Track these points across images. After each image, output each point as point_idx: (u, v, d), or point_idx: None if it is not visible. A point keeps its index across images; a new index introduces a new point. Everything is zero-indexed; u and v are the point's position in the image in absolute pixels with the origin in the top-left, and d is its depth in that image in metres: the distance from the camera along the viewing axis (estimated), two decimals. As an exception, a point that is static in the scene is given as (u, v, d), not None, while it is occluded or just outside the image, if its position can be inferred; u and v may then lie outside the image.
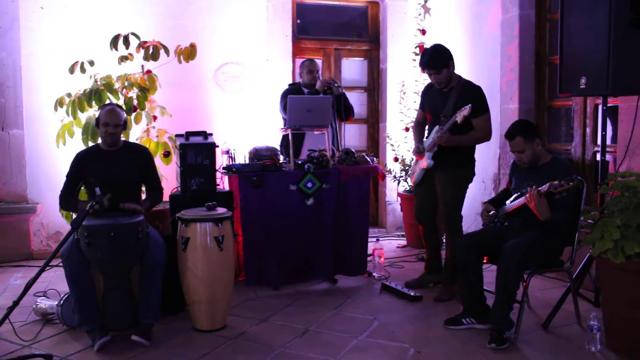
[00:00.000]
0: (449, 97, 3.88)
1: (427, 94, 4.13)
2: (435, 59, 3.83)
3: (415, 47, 5.75)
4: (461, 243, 3.38)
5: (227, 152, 4.32)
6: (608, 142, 4.30)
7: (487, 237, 3.41)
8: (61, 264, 3.26)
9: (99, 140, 3.68)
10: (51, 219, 5.16)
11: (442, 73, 3.84)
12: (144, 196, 3.77)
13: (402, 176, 5.65)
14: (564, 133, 4.91)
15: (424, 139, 4.13)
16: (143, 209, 3.51)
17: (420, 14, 5.84)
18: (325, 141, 4.42)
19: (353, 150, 4.50)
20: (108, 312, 3.26)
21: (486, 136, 3.90)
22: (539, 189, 3.11)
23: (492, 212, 3.53)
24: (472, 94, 3.83)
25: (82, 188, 3.51)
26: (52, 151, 4.75)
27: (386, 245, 5.26)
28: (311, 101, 4.34)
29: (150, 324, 3.28)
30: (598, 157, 4.32)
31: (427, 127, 4.17)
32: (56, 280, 4.27)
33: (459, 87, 3.88)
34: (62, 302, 3.44)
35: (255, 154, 4.31)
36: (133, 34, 4.51)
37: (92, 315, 3.20)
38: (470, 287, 3.36)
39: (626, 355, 2.97)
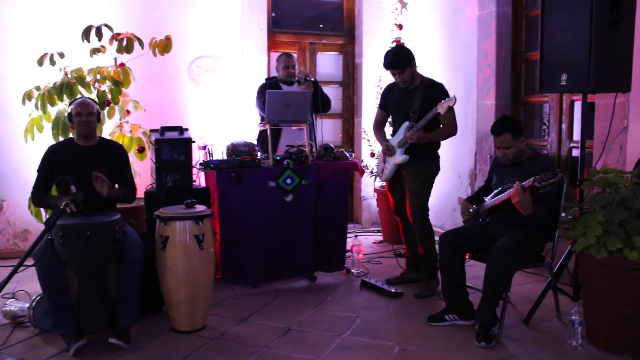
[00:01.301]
0: (415, 95, 3.96)
1: (389, 94, 4.20)
2: (399, 59, 3.94)
3: (392, 42, 5.72)
4: (444, 240, 3.37)
5: (204, 147, 4.23)
6: (576, 138, 4.39)
7: (469, 234, 3.42)
8: (32, 264, 3.13)
9: (71, 135, 3.55)
10: (18, 216, 4.96)
11: (405, 72, 3.94)
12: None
13: (378, 172, 5.62)
14: (539, 129, 4.97)
15: (389, 137, 4.20)
16: (113, 193, 3.38)
17: (397, 9, 5.82)
18: (304, 136, 4.36)
19: (332, 145, 4.45)
20: (83, 314, 3.15)
21: (453, 131, 4.01)
22: (523, 183, 3.13)
23: (472, 209, 3.54)
24: (438, 90, 3.95)
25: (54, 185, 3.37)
26: (20, 146, 4.57)
27: (362, 241, 5.23)
28: (290, 96, 4.27)
29: (128, 326, 3.18)
30: (574, 152, 4.41)
31: (389, 125, 4.28)
32: (25, 281, 4.09)
33: (423, 85, 3.98)
34: (34, 304, 3.31)
35: (233, 150, 4.21)
36: (106, 25, 4.35)
37: (67, 318, 3.08)
38: (453, 284, 3.35)
39: (607, 349, 3.01)
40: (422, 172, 3.99)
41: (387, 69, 4.01)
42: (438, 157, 4.08)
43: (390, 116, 4.25)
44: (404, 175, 4.05)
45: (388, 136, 4.28)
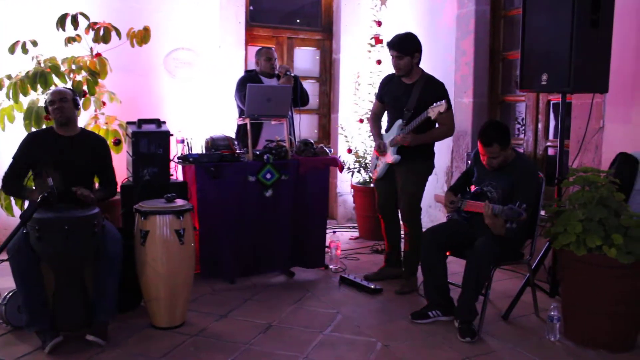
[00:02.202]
0: (412, 91, 3.88)
1: (387, 85, 4.10)
2: (403, 42, 3.84)
3: (371, 39, 5.73)
4: (427, 238, 3.39)
5: (182, 141, 4.15)
6: (552, 137, 4.47)
7: (451, 231, 3.43)
8: (5, 260, 3.02)
9: (44, 126, 3.44)
10: (-15, 209, 4.79)
11: (403, 60, 3.84)
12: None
13: (355, 168, 5.64)
14: (515, 128, 5.04)
15: (383, 133, 4.12)
16: (95, 198, 3.30)
17: (376, 5, 5.83)
18: (284, 131, 4.33)
19: (312, 141, 4.43)
20: (60, 310, 3.05)
21: (450, 132, 3.96)
22: (493, 208, 3.10)
23: (454, 200, 3.53)
24: (437, 89, 3.86)
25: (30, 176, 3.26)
26: (-12, 137, 4.41)
27: (339, 237, 5.23)
28: (271, 90, 4.23)
29: (106, 323, 3.10)
30: (549, 151, 4.49)
31: (386, 119, 4.17)
32: (-6, 276, 3.97)
33: (423, 81, 3.89)
34: (6, 300, 3.20)
35: (212, 144, 4.15)
36: (82, 13, 4.22)
37: (42, 315, 2.98)
38: (437, 281, 3.37)
39: (584, 344, 3.08)
40: (416, 171, 3.93)
41: (390, 47, 3.88)
42: (433, 156, 4.01)
43: (386, 109, 4.15)
44: (395, 174, 4.00)
45: (383, 130, 4.23)
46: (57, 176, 3.03)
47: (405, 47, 3.83)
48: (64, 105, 3.30)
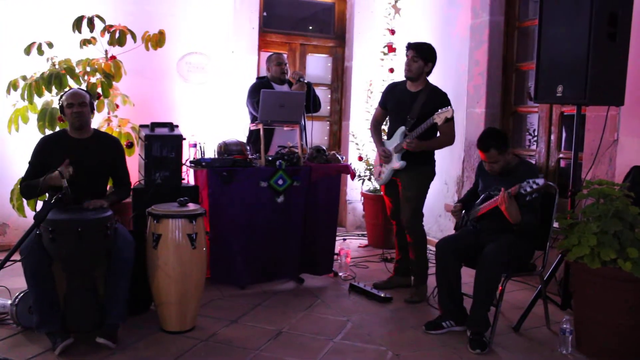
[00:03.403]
0: (417, 99, 3.92)
1: (391, 91, 4.13)
2: (424, 47, 3.92)
3: (384, 47, 5.73)
4: (442, 247, 3.37)
5: (195, 145, 4.16)
6: (564, 149, 4.45)
7: (464, 241, 3.42)
8: (17, 260, 3.01)
9: (58, 129, 3.44)
10: (-3, 209, 4.82)
11: (418, 62, 3.89)
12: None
13: (366, 175, 5.63)
14: (526, 139, 5.02)
15: (385, 139, 4.14)
16: (108, 203, 3.29)
17: (390, 14, 5.83)
18: (296, 137, 4.34)
19: (324, 148, 4.43)
20: (71, 312, 3.05)
21: (451, 141, 3.99)
22: (509, 190, 3.15)
23: (463, 212, 3.56)
24: (441, 99, 3.90)
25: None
26: (3, 138, 4.43)
27: (348, 245, 5.22)
28: (284, 96, 4.23)
29: (116, 325, 3.10)
30: (561, 163, 4.47)
31: (386, 125, 4.21)
32: (5, 277, 3.92)
33: (427, 90, 3.94)
34: (17, 300, 3.20)
35: (225, 148, 4.16)
36: (98, 16, 4.25)
37: (53, 316, 2.98)
38: (451, 291, 3.36)
39: (596, 357, 3.05)
40: (417, 178, 3.96)
41: (409, 47, 3.94)
42: (434, 162, 4.06)
43: (388, 116, 4.18)
44: (397, 180, 4.02)
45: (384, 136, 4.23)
46: (72, 179, 3.02)
47: (424, 51, 3.90)
48: (83, 110, 3.30)
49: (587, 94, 3.30)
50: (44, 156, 3.28)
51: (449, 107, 3.75)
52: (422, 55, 3.88)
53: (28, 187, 3.27)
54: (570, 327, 3.12)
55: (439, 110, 3.73)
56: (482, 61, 4.98)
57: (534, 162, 4.65)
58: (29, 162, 3.31)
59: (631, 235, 2.94)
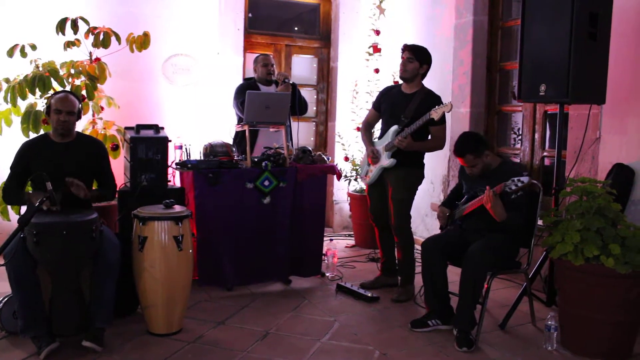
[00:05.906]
0: (412, 100, 3.94)
1: (387, 94, 4.16)
2: (420, 49, 3.98)
3: (369, 48, 5.75)
4: (428, 247, 3.39)
5: (181, 147, 4.15)
6: (547, 147, 4.50)
7: (450, 240, 3.45)
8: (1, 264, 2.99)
9: (42, 132, 3.41)
10: (-21, 213, 4.75)
11: (413, 63, 3.94)
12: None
13: (352, 176, 5.65)
14: (511, 138, 5.06)
15: (375, 140, 4.15)
16: (89, 194, 3.26)
17: (375, 15, 5.86)
18: (281, 138, 4.34)
19: (309, 148, 4.44)
20: (56, 316, 3.03)
21: (442, 145, 4.03)
22: (494, 189, 3.18)
23: (448, 212, 3.59)
24: (435, 101, 3.92)
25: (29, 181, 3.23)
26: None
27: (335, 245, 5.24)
28: (270, 98, 4.23)
29: (102, 329, 3.08)
30: (546, 161, 4.52)
31: (379, 127, 4.21)
32: (-12, 281, 3.93)
33: (422, 93, 3.97)
34: (1, 305, 3.17)
35: (211, 150, 4.14)
36: (82, 18, 4.22)
37: (38, 320, 2.96)
38: (437, 290, 3.38)
39: (581, 353, 3.09)
40: (406, 179, 3.97)
41: (405, 48, 3.99)
42: (423, 165, 4.07)
43: (381, 118, 4.20)
44: (386, 181, 4.04)
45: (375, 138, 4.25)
46: (55, 185, 2.99)
47: (420, 53, 3.95)
48: (70, 118, 3.27)
49: (570, 93, 3.34)
50: (26, 160, 3.24)
51: (449, 102, 3.78)
52: (417, 57, 3.92)
53: (10, 196, 3.26)
54: (555, 324, 3.15)
55: (436, 107, 3.76)
56: (467, 61, 5.02)
57: (518, 160, 4.69)
58: (11, 167, 3.27)
59: (613, 232, 2.97)
